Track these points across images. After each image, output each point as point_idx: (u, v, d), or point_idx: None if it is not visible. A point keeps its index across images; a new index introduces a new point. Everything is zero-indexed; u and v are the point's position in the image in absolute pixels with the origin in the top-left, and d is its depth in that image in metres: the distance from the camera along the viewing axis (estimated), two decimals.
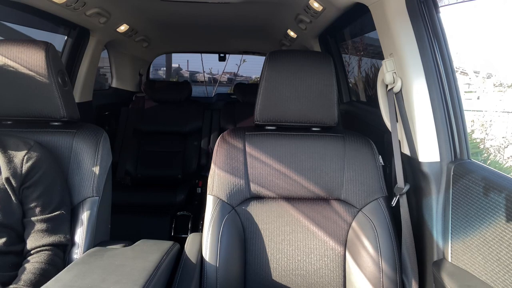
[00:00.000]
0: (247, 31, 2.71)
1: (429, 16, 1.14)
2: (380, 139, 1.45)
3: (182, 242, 1.24)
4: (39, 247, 1.07)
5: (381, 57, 1.29)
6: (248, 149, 1.26)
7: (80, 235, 1.16)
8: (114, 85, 3.12)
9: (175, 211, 2.47)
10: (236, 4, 1.88)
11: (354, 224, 1.21)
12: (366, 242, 1.15)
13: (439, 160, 1.12)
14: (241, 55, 5.23)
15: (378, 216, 1.19)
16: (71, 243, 1.14)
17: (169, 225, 2.39)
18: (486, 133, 6.23)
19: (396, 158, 1.20)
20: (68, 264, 1.03)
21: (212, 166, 1.25)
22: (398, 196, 1.19)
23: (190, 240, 1.26)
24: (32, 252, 1.07)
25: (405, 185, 1.18)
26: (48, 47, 1.20)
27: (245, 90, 3.13)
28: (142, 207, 2.48)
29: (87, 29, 2.15)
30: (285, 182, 1.24)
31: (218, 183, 1.22)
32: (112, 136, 1.92)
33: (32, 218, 1.08)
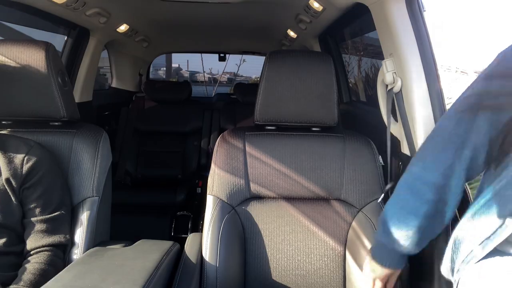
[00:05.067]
0: (247, 31, 2.71)
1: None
2: (380, 139, 1.45)
3: (182, 242, 1.24)
4: (39, 247, 1.07)
5: (381, 57, 1.29)
6: (248, 149, 1.26)
7: (80, 235, 1.16)
8: (114, 85, 3.11)
9: (175, 211, 2.47)
10: (236, 4, 1.87)
11: (354, 224, 1.21)
12: (366, 242, 1.15)
13: None
14: (241, 55, 5.23)
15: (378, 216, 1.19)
16: (71, 243, 1.14)
17: (169, 225, 2.39)
18: None
19: (390, 157, 1.20)
20: (68, 264, 1.02)
21: (212, 166, 1.25)
22: None
23: (190, 240, 1.26)
24: (32, 252, 1.07)
25: None
26: (48, 47, 1.20)
27: (245, 90, 3.13)
28: (142, 207, 2.47)
29: (87, 29, 2.15)
30: (285, 182, 1.24)
31: (218, 183, 1.22)
32: (112, 136, 1.92)
33: (32, 219, 1.08)
